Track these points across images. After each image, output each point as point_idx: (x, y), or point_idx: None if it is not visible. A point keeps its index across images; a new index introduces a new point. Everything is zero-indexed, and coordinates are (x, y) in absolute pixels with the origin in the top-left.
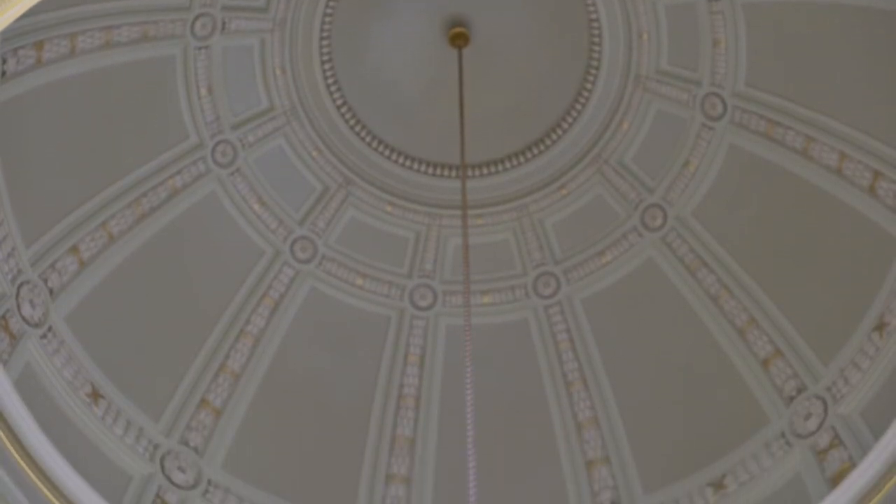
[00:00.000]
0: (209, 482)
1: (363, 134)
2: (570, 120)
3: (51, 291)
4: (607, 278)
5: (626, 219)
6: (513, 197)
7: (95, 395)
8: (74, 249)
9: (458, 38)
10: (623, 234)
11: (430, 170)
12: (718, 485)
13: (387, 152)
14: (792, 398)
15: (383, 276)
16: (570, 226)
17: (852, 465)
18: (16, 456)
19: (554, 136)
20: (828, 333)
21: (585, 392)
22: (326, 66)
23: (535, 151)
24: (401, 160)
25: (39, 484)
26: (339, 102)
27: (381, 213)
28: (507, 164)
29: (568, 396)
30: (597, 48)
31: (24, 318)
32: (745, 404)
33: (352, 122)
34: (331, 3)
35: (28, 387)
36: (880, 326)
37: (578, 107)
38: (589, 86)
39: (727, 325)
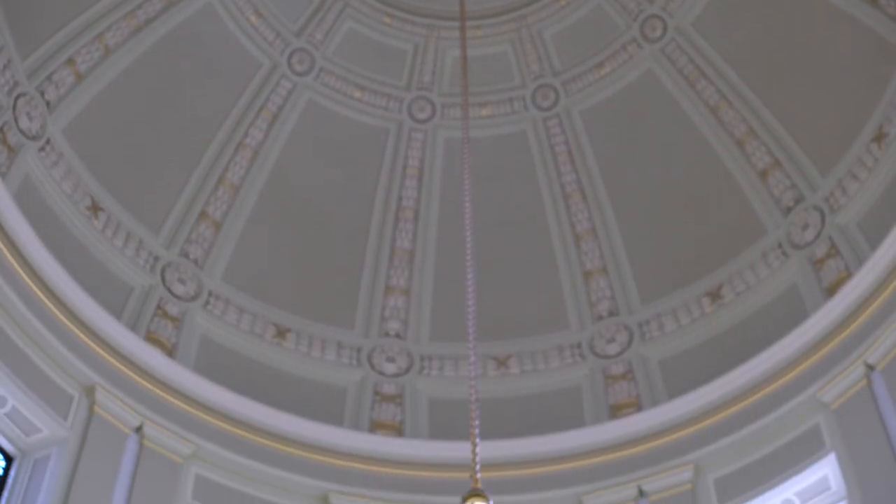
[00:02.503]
0: (210, 294)
1: None
2: None
3: (48, 104)
4: (606, 90)
5: (625, 30)
6: (511, 7)
7: (95, 208)
8: (71, 62)
9: None
10: (622, 46)
11: None
12: (715, 295)
13: None
14: (789, 209)
15: (381, 88)
16: (569, 37)
17: (849, 274)
18: (17, 268)
19: None
20: (826, 144)
21: (584, 204)
22: None
23: None
24: None
25: (41, 295)
26: None
27: (380, 24)
28: None
29: (566, 208)
30: None
31: (21, 131)
32: (742, 215)
33: None
34: None
35: (27, 199)
36: (879, 137)
37: None
38: None
39: (726, 137)
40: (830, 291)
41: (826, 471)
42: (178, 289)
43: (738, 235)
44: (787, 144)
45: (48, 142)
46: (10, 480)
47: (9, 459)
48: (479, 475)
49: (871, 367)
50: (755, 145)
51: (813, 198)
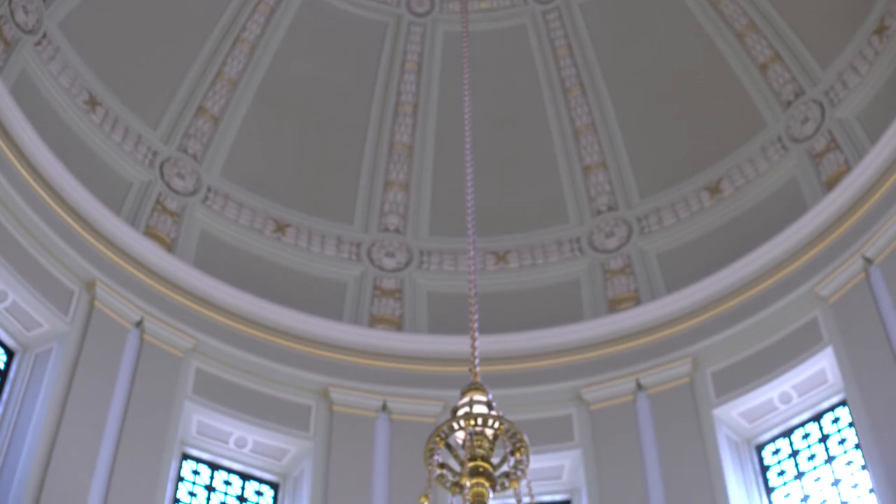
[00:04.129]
0: (209, 189)
1: None
2: None
3: None
4: None
5: None
6: None
7: (93, 103)
8: None
9: None
10: None
11: None
12: (714, 189)
13: None
14: (789, 102)
15: None
16: None
17: (848, 168)
18: (16, 163)
19: None
20: (827, 37)
21: (583, 98)
22: None
23: None
24: None
25: (40, 191)
26: None
27: None
28: None
29: (566, 102)
30: None
31: (17, 25)
32: (742, 109)
33: None
34: None
35: (25, 95)
36: (880, 30)
37: None
38: None
39: (726, 30)
40: (829, 185)
41: (823, 364)
42: (177, 184)
43: (738, 129)
44: (788, 37)
45: (45, 36)
46: (11, 374)
47: (10, 354)
48: (478, 369)
49: (869, 261)
50: (755, 38)
51: (813, 91)
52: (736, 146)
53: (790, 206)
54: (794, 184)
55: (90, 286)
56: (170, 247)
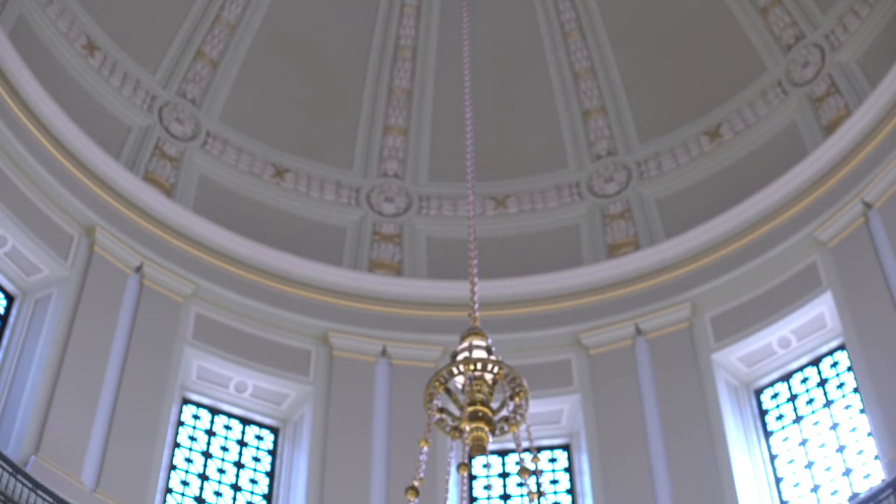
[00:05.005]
0: (208, 134)
1: None
2: None
3: None
4: None
5: None
6: None
7: (91, 47)
8: None
9: None
10: None
11: None
12: (714, 133)
13: None
14: (790, 46)
15: None
16: None
17: (848, 112)
18: (14, 109)
19: None
20: None
21: (583, 42)
22: None
23: None
24: None
25: (39, 136)
26: None
27: None
28: None
29: (565, 47)
30: None
31: None
32: (742, 53)
33: None
34: None
35: (23, 40)
36: None
37: None
38: None
39: None
40: (829, 129)
41: (822, 308)
42: (176, 129)
43: (738, 73)
44: None
45: None
46: (11, 319)
47: (10, 299)
48: (477, 314)
49: (868, 205)
50: None
51: (813, 35)
52: (736, 91)
53: (790, 151)
54: (793, 128)
55: (89, 231)
56: (169, 192)
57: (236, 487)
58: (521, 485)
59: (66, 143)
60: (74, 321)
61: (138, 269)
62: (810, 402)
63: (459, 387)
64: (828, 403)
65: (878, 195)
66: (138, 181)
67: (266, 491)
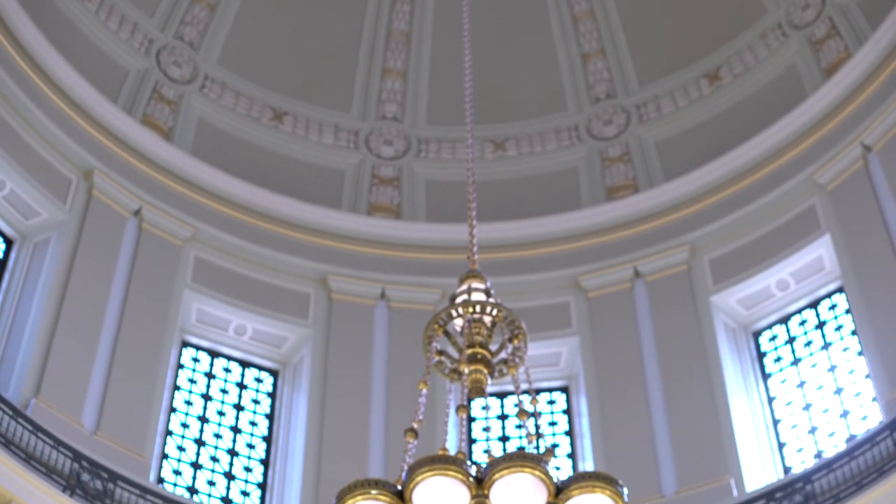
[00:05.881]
0: (206, 77)
1: None
2: None
3: None
4: None
5: None
6: None
7: None
8: None
9: None
10: None
11: None
12: (713, 76)
13: None
14: None
15: None
16: None
17: (848, 55)
18: (12, 52)
19: None
20: None
21: None
22: None
23: None
24: None
25: (37, 80)
26: None
27: None
28: None
29: None
30: None
31: None
32: None
33: None
34: None
35: None
36: None
37: None
38: None
39: None
40: (829, 72)
41: (821, 251)
42: (174, 72)
43: (738, 16)
44: None
45: None
46: (10, 263)
47: (9, 243)
48: (476, 257)
49: (867, 148)
50: None
51: None
52: (735, 33)
53: (789, 94)
54: (793, 71)
55: (88, 175)
56: (167, 136)
57: (236, 430)
58: (519, 426)
59: (63, 87)
60: (73, 265)
61: (137, 213)
62: (808, 344)
63: (458, 329)
64: (826, 346)
65: (878, 138)
66: (136, 125)
67: (266, 433)
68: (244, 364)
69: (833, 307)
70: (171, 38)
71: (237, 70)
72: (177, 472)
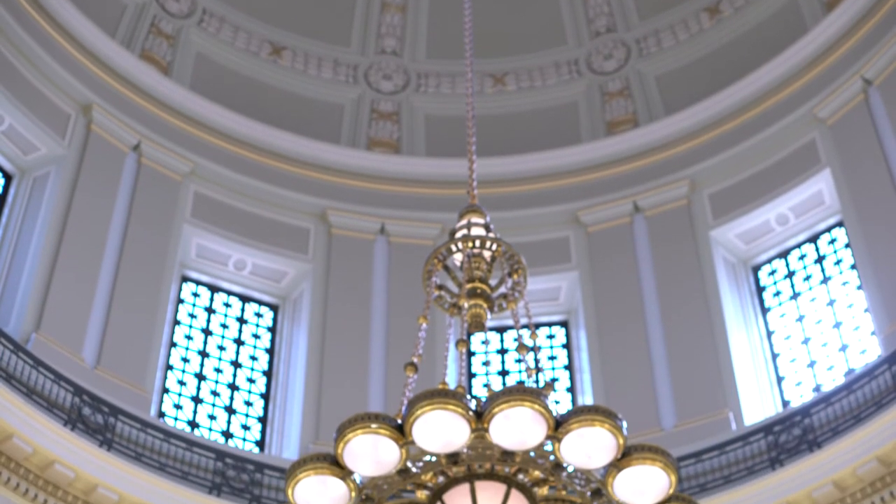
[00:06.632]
0: (204, 11)
1: None
2: None
3: None
4: None
5: None
6: None
7: None
8: None
9: None
10: None
11: None
12: (714, 10)
13: None
14: None
15: None
16: None
17: None
18: None
19: None
20: None
21: None
22: None
23: None
24: None
25: (34, 14)
26: None
27: None
28: None
29: None
30: None
31: None
32: None
33: None
34: None
35: None
36: None
37: None
38: None
39: None
40: (830, 6)
41: (821, 186)
42: (172, 6)
43: None
44: None
45: None
46: (9, 198)
47: (8, 178)
48: (475, 191)
49: (868, 83)
50: None
51: None
52: None
53: (790, 28)
54: (794, 4)
55: (86, 110)
56: (166, 70)
57: (236, 364)
58: (519, 361)
59: (62, 22)
60: (73, 200)
61: (136, 148)
62: (808, 278)
63: (458, 264)
64: (825, 280)
65: (878, 72)
66: (135, 59)
67: (266, 367)
68: (244, 299)
69: (832, 241)
70: None
71: (235, 4)
72: (177, 407)
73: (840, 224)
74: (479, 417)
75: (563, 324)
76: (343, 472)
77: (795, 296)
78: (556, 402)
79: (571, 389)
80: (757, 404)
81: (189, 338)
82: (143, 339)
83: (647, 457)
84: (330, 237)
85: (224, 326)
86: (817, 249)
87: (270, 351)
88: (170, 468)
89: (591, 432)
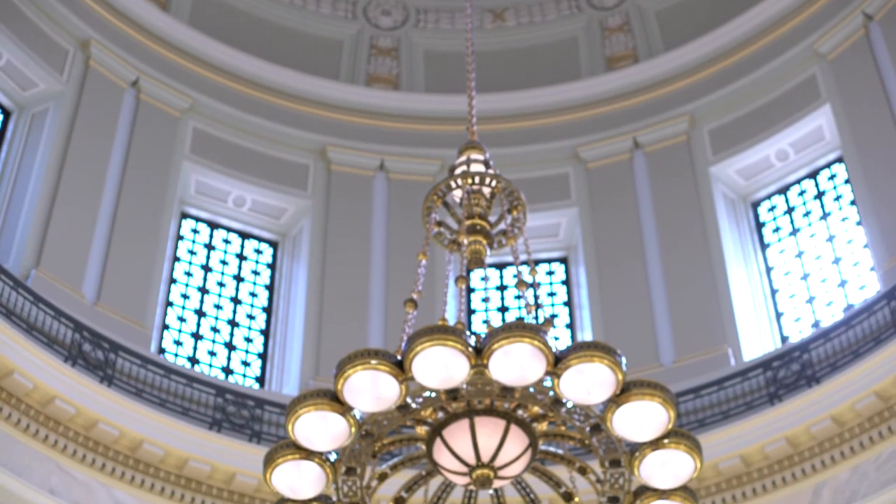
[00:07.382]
0: None
1: None
2: None
3: None
4: None
5: None
6: None
7: None
8: None
9: None
10: None
11: None
12: None
13: None
14: None
15: None
16: None
17: None
18: None
19: None
20: None
21: None
22: None
23: None
24: None
25: None
26: None
27: None
28: None
29: None
30: None
31: None
32: None
33: None
34: None
35: None
36: None
37: None
38: None
39: None
40: None
41: (821, 121)
42: None
43: None
44: None
45: None
46: (8, 134)
47: (6, 114)
48: (475, 128)
49: (869, 17)
50: None
51: None
52: None
53: None
54: None
55: (85, 45)
56: (164, 5)
57: (236, 300)
58: (518, 297)
59: None
60: (72, 136)
61: (135, 84)
62: (807, 214)
63: (457, 200)
64: (825, 216)
65: (879, 7)
66: None
67: (265, 304)
68: (244, 235)
69: (832, 177)
70: None
71: None
72: (177, 343)
73: (840, 160)
74: (479, 353)
75: (563, 260)
76: (343, 407)
77: (795, 232)
78: (556, 339)
79: (571, 325)
80: (756, 340)
81: (189, 274)
82: (142, 275)
83: (646, 392)
84: (329, 173)
85: (224, 263)
86: (817, 185)
87: (270, 287)
88: (170, 404)
89: (590, 368)
